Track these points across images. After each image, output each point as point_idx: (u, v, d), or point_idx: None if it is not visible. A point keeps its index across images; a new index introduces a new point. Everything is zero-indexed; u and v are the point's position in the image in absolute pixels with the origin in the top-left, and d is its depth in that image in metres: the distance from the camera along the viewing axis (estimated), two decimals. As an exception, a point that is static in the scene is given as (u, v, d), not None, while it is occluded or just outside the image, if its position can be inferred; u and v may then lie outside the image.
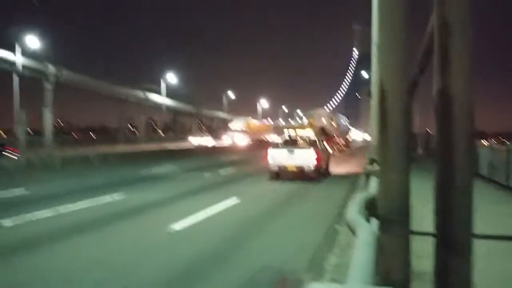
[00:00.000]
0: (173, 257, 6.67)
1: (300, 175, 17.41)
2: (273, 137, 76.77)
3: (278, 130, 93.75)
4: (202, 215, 9.85)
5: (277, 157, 17.79)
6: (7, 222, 8.84)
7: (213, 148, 42.97)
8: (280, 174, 17.81)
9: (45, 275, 5.85)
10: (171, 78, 66.04)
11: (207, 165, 24.92)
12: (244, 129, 64.17)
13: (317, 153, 17.77)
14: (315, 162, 17.42)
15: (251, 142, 57.48)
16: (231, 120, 76.23)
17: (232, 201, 11.92)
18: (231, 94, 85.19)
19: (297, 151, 17.78)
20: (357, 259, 1.54)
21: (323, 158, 19.25)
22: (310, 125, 34.71)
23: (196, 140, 50.91)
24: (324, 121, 44.35)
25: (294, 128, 24.03)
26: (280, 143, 20.18)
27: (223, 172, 21.07)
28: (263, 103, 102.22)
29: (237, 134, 61.12)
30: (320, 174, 18.28)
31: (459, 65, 1.91)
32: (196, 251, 7.01)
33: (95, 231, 8.43)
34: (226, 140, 61.08)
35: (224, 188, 15.32)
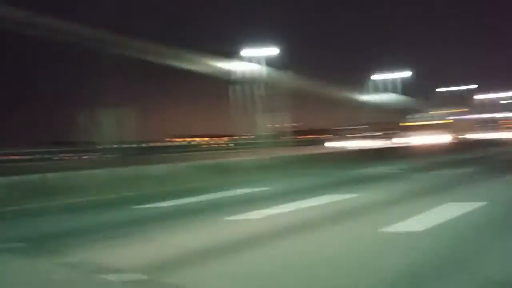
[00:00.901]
0: (393, 261, 6.04)
1: None
2: (478, 136, 60.64)
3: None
4: (437, 216, 9.06)
5: None
6: (255, 216, 10.03)
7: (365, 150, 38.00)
8: None
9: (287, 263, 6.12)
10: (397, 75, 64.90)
11: (430, 164, 23.73)
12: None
13: None
14: None
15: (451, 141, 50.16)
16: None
17: (473, 204, 10.35)
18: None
19: None
20: None
21: None
22: None
23: (332, 144, 47.79)
24: None
25: None
26: None
27: (448, 172, 19.77)
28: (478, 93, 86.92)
29: (417, 132, 54.07)
30: None
31: None
32: (421, 256, 6.24)
33: (325, 228, 8.64)
34: (395, 139, 54.63)
35: (460, 188, 14.46)
